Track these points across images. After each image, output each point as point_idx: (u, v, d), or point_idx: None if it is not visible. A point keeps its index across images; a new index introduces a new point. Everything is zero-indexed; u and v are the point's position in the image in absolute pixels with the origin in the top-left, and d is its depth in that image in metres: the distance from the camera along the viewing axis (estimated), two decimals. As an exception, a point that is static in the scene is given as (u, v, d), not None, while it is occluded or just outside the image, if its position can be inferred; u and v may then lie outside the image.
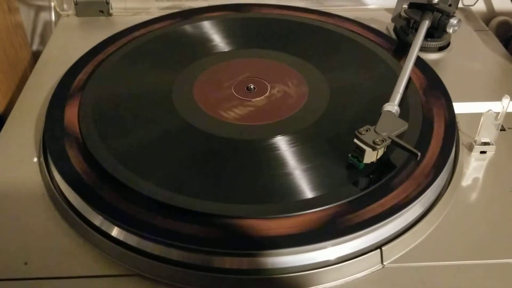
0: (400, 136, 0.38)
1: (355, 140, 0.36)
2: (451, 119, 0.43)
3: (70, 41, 0.58)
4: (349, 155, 0.38)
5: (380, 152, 0.37)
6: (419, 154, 0.36)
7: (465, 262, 0.34)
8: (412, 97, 0.45)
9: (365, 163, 0.37)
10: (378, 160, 0.37)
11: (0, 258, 0.34)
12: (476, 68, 0.54)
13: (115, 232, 0.35)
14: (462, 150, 0.43)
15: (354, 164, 0.37)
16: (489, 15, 0.71)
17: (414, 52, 0.48)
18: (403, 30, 0.56)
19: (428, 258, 0.34)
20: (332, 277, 0.33)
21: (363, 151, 0.36)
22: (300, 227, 0.34)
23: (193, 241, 0.33)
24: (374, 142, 0.36)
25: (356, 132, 0.37)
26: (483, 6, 0.70)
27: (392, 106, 0.40)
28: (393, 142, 0.37)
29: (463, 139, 0.43)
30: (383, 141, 0.36)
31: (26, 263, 0.34)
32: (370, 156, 0.36)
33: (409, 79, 0.46)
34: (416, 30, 0.52)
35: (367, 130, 0.37)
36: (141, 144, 0.41)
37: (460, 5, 0.65)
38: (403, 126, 0.38)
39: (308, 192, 0.36)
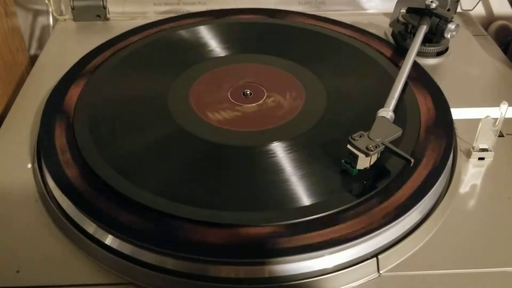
0: (396, 142, 0.38)
1: (348, 146, 0.36)
2: (448, 125, 0.43)
3: (67, 46, 0.58)
4: (342, 161, 0.37)
5: (374, 158, 0.37)
6: (412, 160, 0.36)
7: (463, 271, 0.34)
8: (409, 103, 0.45)
9: (359, 169, 0.37)
10: (372, 166, 0.37)
11: (-9, 265, 0.34)
12: (475, 73, 0.53)
13: (108, 240, 0.34)
14: (460, 157, 0.42)
15: (347, 170, 0.37)
16: (488, 20, 0.71)
17: (411, 57, 0.48)
18: (401, 35, 0.56)
19: (425, 267, 0.34)
20: (328, 285, 0.33)
21: (356, 157, 0.36)
22: (296, 236, 0.33)
23: (188, 250, 0.33)
24: (367, 148, 0.36)
25: (349, 137, 0.36)
26: (482, 10, 0.70)
27: (387, 112, 0.40)
28: (386, 148, 0.36)
29: (461, 145, 0.43)
30: (376, 147, 0.36)
31: (18, 271, 0.34)
32: (363, 162, 0.36)
33: (406, 84, 0.46)
34: (414, 35, 0.52)
35: (360, 136, 0.36)
36: (137, 151, 0.41)
37: (458, 9, 0.65)
38: (397, 132, 0.37)
39: (304, 199, 0.36)
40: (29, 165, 0.41)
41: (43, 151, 0.40)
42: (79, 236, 0.35)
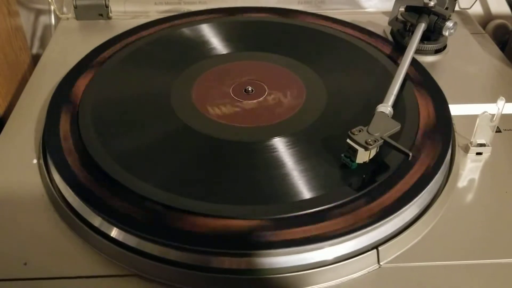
0: (395, 137, 0.38)
1: (348, 140, 0.37)
2: (447, 121, 0.44)
3: (70, 44, 0.59)
4: (342, 155, 0.38)
5: (373, 152, 0.37)
6: (410, 154, 0.37)
7: (461, 262, 0.35)
8: (408, 99, 0.45)
9: (358, 163, 0.37)
10: (371, 160, 0.38)
11: (-1, 258, 0.35)
12: (472, 70, 0.54)
13: (114, 232, 0.35)
14: (458, 152, 0.43)
15: (347, 164, 0.38)
16: (486, 18, 0.72)
17: (409, 54, 0.49)
18: (399, 33, 0.57)
19: (425, 258, 0.35)
20: (329, 277, 0.34)
21: (355, 151, 0.37)
22: (297, 228, 0.34)
23: (191, 242, 0.33)
24: (366, 142, 0.36)
25: (349, 132, 0.37)
26: (480, 9, 0.71)
27: (385, 107, 0.40)
28: (385, 142, 0.37)
29: (459, 140, 0.44)
30: (375, 141, 0.37)
31: (25, 264, 0.34)
32: (363, 156, 0.37)
33: (404, 81, 0.46)
34: (413, 33, 0.53)
35: (360, 131, 0.37)
36: (140, 146, 0.41)
37: (456, 8, 0.65)
38: (395, 126, 0.38)
39: (305, 193, 0.36)
40: (35, 161, 0.42)
41: (49, 146, 0.41)
42: (85, 229, 0.35)
